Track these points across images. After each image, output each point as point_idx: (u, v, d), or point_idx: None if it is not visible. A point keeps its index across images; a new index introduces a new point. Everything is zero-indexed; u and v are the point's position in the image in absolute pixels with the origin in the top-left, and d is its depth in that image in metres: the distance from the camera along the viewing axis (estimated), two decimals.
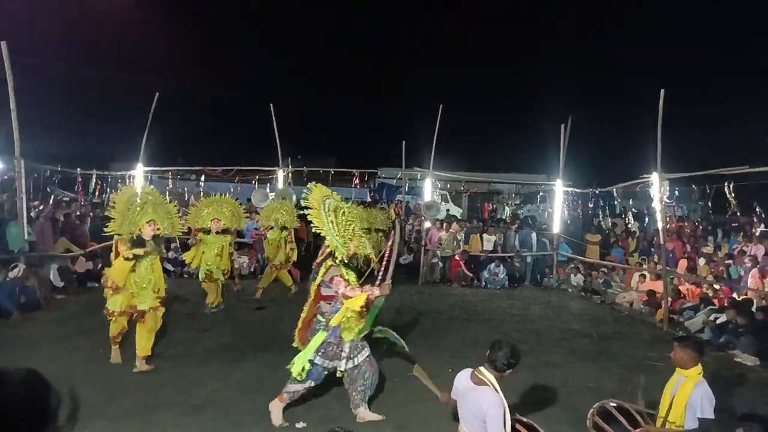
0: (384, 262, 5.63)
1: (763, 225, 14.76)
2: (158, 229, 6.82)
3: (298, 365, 5.25)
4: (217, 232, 9.73)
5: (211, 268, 9.66)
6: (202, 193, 18.82)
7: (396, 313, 10.25)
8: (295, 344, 5.68)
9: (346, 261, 5.43)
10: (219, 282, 9.78)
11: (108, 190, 15.60)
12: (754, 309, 9.29)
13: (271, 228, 11.24)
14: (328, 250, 5.52)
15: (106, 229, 6.85)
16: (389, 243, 5.76)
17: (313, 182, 5.86)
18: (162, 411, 5.39)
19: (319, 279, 5.47)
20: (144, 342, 6.65)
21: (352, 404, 5.49)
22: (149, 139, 13.90)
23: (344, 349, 5.38)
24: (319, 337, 5.34)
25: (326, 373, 5.42)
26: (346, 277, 5.39)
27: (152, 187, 8.65)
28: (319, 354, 5.32)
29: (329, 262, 5.44)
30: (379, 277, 5.54)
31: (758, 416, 3.12)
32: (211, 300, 9.76)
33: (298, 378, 5.26)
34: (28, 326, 8.30)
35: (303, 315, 5.67)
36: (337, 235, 5.37)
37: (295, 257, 11.59)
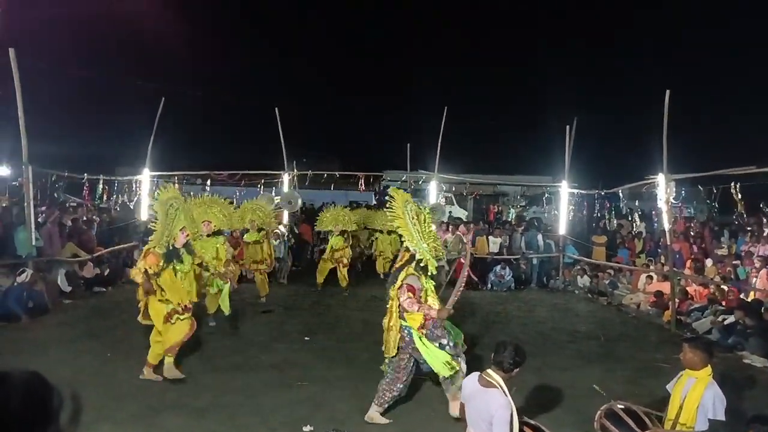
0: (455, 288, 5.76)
1: None
2: (188, 236, 6.70)
3: (444, 366, 5.21)
4: (208, 235, 9.09)
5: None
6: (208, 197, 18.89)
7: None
8: (387, 354, 5.60)
9: (434, 272, 5.55)
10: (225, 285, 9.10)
11: (115, 195, 15.68)
12: (762, 310, 9.22)
13: (247, 230, 11.08)
14: (408, 255, 5.54)
15: (150, 244, 6.56)
16: (461, 269, 5.85)
17: (393, 188, 5.90)
18: (167, 414, 5.40)
19: (399, 283, 5.42)
20: (158, 350, 6.45)
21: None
22: (155, 143, 13.97)
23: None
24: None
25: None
26: (425, 286, 5.48)
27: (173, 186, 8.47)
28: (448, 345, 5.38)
29: (410, 269, 5.42)
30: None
31: (765, 417, 3.10)
32: (212, 309, 8.98)
33: (452, 374, 5.27)
34: (36, 330, 8.34)
35: (387, 321, 5.58)
36: (425, 244, 5.47)
37: (268, 258, 11.27)
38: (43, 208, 13.45)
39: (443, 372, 5.24)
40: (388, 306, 5.65)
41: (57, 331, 8.31)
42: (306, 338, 8.53)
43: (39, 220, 11.49)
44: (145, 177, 14.18)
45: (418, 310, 5.23)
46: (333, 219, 12.66)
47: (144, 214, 13.65)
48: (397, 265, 5.74)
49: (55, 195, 15.40)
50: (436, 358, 5.23)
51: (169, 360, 6.36)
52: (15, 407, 0.90)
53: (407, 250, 5.59)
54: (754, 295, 10.21)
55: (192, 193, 19.06)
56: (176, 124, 16.92)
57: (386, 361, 5.69)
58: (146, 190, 14.25)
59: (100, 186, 15.29)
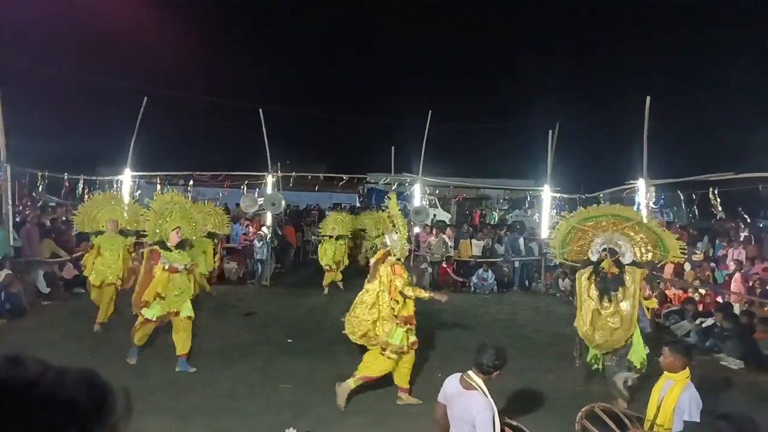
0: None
1: (747, 230, 14.96)
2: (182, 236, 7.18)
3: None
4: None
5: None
6: (190, 198, 18.74)
7: None
8: (391, 339, 6.05)
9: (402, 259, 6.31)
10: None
11: (95, 194, 15.49)
12: (738, 312, 9.41)
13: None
14: (384, 251, 6.45)
15: (146, 239, 7.26)
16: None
17: (393, 192, 6.83)
18: (151, 417, 5.35)
19: (386, 275, 6.20)
20: (183, 341, 6.93)
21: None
22: (137, 143, 13.82)
23: None
24: None
25: None
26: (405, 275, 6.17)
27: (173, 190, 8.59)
28: None
29: (391, 259, 6.23)
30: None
31: (733, 416, 3.18)
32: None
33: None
34: (14, 333, 8.20)
35: (380, 311, 6.21)
36: (402, 238, 6.31)
37: (210, 266, 11.12)
38: (21, 208, 13.25)
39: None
40: (369, 299, 6.25)
41: (35, 333, 8.18)
42: (289, 340, 8.52)
43: (17, 219, 11.32)
44: (127, 177, 14.02)
45: (411, 293, 6.02)
46: (333, 223, 13.15)
47: None
48: (375, 259, 6.49)
49: (34, 195, 15.16)
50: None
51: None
52: (79, 404, 0.90)
53: (385, 246, 6.49)
54: (729, 298, 10.42)
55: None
56: (159, 124, 16.75)
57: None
58: (127, 191, 14.09)
59: (81, 186, 15.08)
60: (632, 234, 6.56)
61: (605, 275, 6.32)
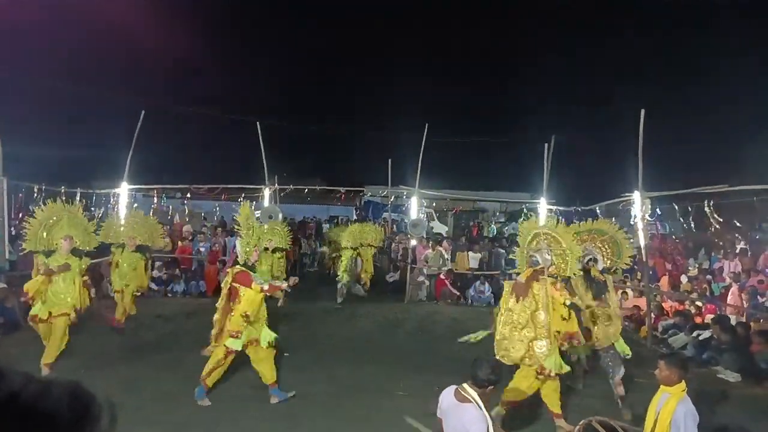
0: None
1: (743, 242, 15.00)
2: (76, 243, 7.51)
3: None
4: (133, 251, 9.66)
5: (126, 283, 9.52)
6: (187, 211, 18.75)
7: (382, 331, 10.23)
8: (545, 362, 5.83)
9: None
10: (131, 297, 9.62)
11: (93, 208, 15.47)
12: (735, 325, 9.42)
13: (121, 247, 9.81)
14: (535, 269, 6.20)
15: (23, 245, 7.64)
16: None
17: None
18: (143, 430, 5.31)
19: (543, 293, 6.06)
20: (269, 370, 6.59)
21: None
22: (134, 157, 13.85)
23: None
24: None
25: None
26: None
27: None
28: None
29: (549, 279, 6.12)
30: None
31: (730, 429, 3.17)
32: (119, 315, 9.43)
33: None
34: (8, 347, 8.15)
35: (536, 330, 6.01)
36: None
37: (143, 284, 10.29)
38: (17, 222, 13.21)
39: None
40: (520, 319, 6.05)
41: (29, 347, 8.11)
42: (285, 354, 8.47)
43: (13, 233, 11.29)
44: (124, 190, 14.02)
45: None
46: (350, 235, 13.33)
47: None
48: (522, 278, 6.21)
49: (31, 208, 15.12)
50: None
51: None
52: (62, 417, 0.90)
53: (534, 264, 6.25)
54: (725, 311, 10.44)
55: (171, 207, 19.04)
56: (156, 138, 16.78)
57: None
58: (124, 204, 14.09)
59: (77, 199, 15.06)
60: (603, 245, 7.54)
61: (597, 280, 7.06)
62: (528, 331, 5.93)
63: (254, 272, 6.57)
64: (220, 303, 6.54)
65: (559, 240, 6.29)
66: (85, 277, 7.77)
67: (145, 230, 10.36)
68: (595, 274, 7.08)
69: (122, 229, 10.21)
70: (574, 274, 6.30)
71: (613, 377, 6.73)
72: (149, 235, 10.38)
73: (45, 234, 7.69)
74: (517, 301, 6.05)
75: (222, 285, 6.76)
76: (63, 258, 7.39)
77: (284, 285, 6.77)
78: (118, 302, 9.59)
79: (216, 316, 6.48)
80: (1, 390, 0.88)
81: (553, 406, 5.87)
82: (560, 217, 12.97)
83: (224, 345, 6.25)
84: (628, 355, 6.88)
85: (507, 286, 6.49)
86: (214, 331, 6.46)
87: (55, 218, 7.81)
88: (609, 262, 7.53)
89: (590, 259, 7.11)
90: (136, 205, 14.90)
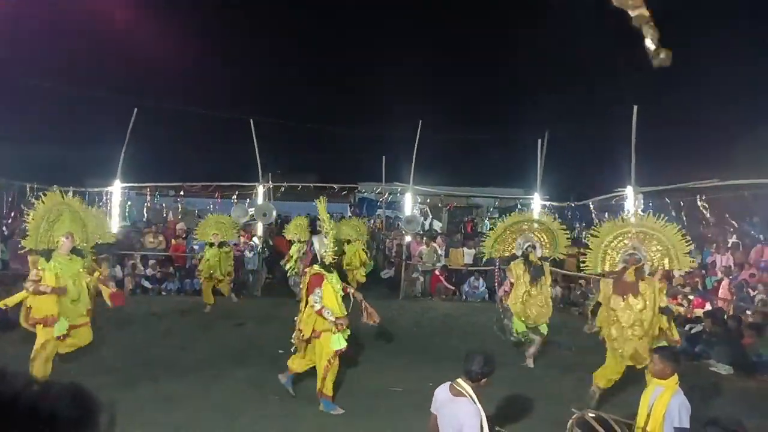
0: None
1: (734, 236, 15.09)
2: (76, 242, 6.64)
3: None
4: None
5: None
6: (180, 209, 18.67)
7: (377, 327, 10.24)
8: None
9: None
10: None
11: (86, 206, 15.41)
12: (726, 318, 9.49)
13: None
14: (638, 266, 6.36)
15: (22, 243, 6.64)
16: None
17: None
18: (142, 430, 5.31)
19: (651, 292, 6.28)
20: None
21: None
22: (127, 154, 13.79)
23: None
24: None
25: None
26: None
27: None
28: None
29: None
30: None
31: (721, 420, 3.21)
32: None
33: None
34: (2, 346, 8.12)
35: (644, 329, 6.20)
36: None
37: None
38: (9, 221, 13.14)
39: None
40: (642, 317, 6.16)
41: (23, 347, 8.06)
42: (280, 351, 8.46)
43: (5, 232, 11.23)
44: (116, 188, 13.97)
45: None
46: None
47: (115, 227, 13.42)
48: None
49: (23, 207, 15.04)
50: None
51: None
52: (63, 418, 0.91)
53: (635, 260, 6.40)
54: (716, 304, 10.52)
55: (165, 205, 18.97)
56: (149, 135, 16.70)
57: None
58: (117, 202, 14.04)
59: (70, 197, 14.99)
60: (541, 235, 8.51)
61: (534, 265, 8.11)
62: (637, 329, 6.08)
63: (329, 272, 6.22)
64: (303, 312, 6.25)
65: (654, 235, 6.58)
66: (97, 273, 7.06)
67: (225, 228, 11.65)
68: (533, 260, 8.13)
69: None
70: (681, 268, 6.67)
71: (528, 349, 8.08)
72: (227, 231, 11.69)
73: (45, 229, 6.69)
74: (623, 300, 6.14)
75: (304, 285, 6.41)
76: (65, 259, 6.57)
77: (331, 318, 6.19)
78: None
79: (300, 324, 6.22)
80: (3, 391, 0.88)
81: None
82: (555, 213, 13.04)
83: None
84: (545, 334, 8.22)
85: (605, 285, 6.48)
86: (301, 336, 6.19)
87: (56, 212, 6.82)
88: (547, 251, 8.49)
89: (529, 245, 8.24)
90: (129, 203, 14.85)
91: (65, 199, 6.97)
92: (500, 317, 8.68)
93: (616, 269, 6.50)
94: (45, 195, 7.03)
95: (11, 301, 6.59)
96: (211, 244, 11.55)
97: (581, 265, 7.38)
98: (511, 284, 8.37)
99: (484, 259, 10.55)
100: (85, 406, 0.95)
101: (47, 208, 6.69)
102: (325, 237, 6.34)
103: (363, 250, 13.34)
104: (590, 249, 6.84)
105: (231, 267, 11.98)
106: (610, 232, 6.73)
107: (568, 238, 8.94)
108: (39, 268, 6.23)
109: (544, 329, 8.15)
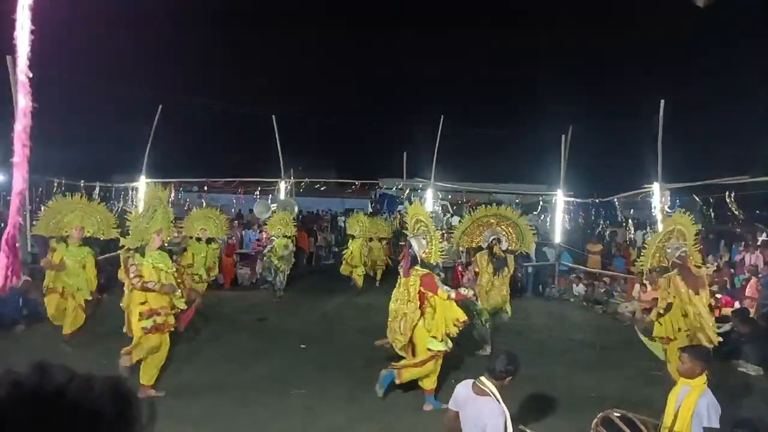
0: None
1: (765, 234, 14.74)
2: (88, 232, 7.88)
3: None
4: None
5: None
6: (204, 204, 18.88)
7: None
8: None
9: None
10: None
11: (112, 201, 15.67)
12: (756, 318, 9.28)
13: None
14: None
15: (33, 229, 8.21)
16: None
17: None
18: (163, 423, 5.38)
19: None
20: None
21: None
22: (152, 150, 13.99)
23: None
24: None
25: None
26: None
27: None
28: None
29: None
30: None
31: (752, 421, 3.13)
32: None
33: None
34: (31, 338, 8.30)
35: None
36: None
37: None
38: (38, 215, 13.40)
39: None
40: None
41: (52, 339, 8.25)
42: (302, 346, 8.53)
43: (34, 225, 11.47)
44: (142, 184, 14.17)
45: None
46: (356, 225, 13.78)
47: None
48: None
49: (47, 202, 15.35)
50: None
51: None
52: (105, 412, 0.92)
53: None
54: (743, 303, 10.28)
55: (188, 200, 19.23)
56: (173, 131, 16.92)
57: None
58: (142, 197, 14.25)
59: (97, 192, 15.27)
60: (507, 229, 9.01)
61: (498, 257, 8.61)
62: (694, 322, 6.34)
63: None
64: (408, 307, 6.06)
65: (684, 233, 6.81)
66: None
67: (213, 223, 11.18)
68: (497, 252, 8.65)
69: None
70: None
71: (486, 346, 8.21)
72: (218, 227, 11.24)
73: (55, 222, 8.02)
74: (697, 293, 6.32)
75: (406, 287, 6.19)
76: (75, 247, 7.84)
77: (470, 293, 6.52)
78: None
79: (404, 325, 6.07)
80: (47, 385, 0.89)
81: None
82: (580, 210, 12.85)
83: (427, 349, 5.99)
84: (509, 315, 8.80)
85: (676, 281, 6.56)
86: (402, 339, 6.09)
87: (69, 209, 8.17)
88: (513, 245, 8.99)
89: (494, 239, 8.76)
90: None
91: (81, 201, 8.36)
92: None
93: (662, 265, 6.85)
94: (71, 193, 7.94)
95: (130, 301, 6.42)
96: (198, 239, 10.76)
97: (634, 262, 7.48)
98: (476, 273, 8.85)
99: (452, 250, 10.62)
100: (127, 401, 0.95)
101: (61, 205, 8.18)
102: (424, 238, 6.28)
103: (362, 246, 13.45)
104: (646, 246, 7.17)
105: (215, 265, 11.39)
106: (664, 229, 7.13)
107: (535, 234, 9.67)
108: (136, 263, 6.06)
109: (508, 310, 8.75)
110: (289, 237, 12.43)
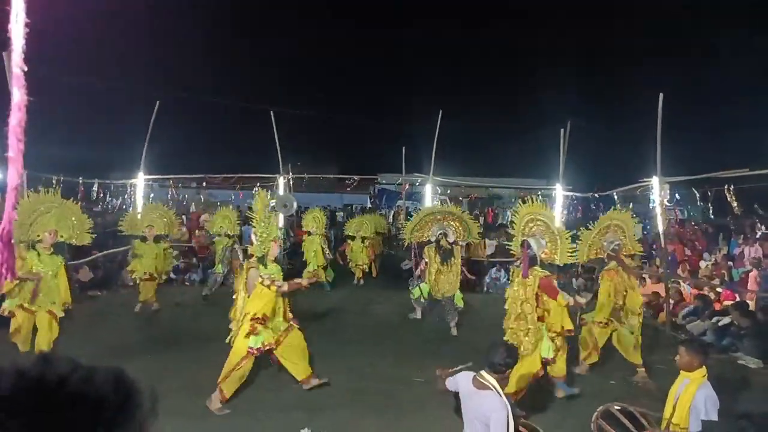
0: None
1: (764, 227, 14.75)
2: (61, 237, 7.18)
3: None
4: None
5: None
6: (203, 200, 18.88)
7: (398, 318, 10.25)
8: None
9: None
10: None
11: (109, 198, 15.65)
12: (756, 311, 9.29)
13: (142, 239, 10.40)
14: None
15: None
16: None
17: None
18: (166, 418, 5.35)
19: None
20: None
21: None
22: (150, 147, 13.94)
23: None
24: None
25: None
26: None
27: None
28: None
29: None
30: None
31: (755, 415, 3.13)
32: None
33: None
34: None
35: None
36: None
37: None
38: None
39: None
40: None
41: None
42: None
43: None
44: (140, 181, 14.14)
45: None
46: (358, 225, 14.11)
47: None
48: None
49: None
50: None
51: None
52: (108, 402, 0.92)
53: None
54: (743, 296, 10.30)
55: (187, 196, 19.20)
56: (171, 128, 16.87)
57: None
58: (141, 194, 14.22)
59: (95, 189, 15.24)
60: (453, 223, 9.89)
61: (445, 249, 9.45)
62: None
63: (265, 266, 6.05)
64: (525, 308, 5.98)
65: (623, 228, 7.44)
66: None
67: (162, 220, 10.78)
68: (443, 244, 9.54)
69: (139, 219, 10.57)
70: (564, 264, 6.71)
71: (450, 321, 9.31)
72: (166, 224, 10.70)
73: (30, 224, 7.18)
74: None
75: (523, 286, 6.11)
76: (47, 255, 7.10)
77: (583, 301, 6.50)
78: (141, 290, 10.05)
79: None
80: (50, 375, 0.89)
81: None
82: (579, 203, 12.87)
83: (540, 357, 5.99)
84: (460, 306, 9.49)
85: (618, 273, 7.39)
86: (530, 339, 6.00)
87: (43, 209, 7.36)
88: (461, 237, 9.91)
89: (441, 233, 9.68)
90: (153, 195, 15.03)
91: (56, 200, 7.53)
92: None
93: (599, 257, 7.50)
94: (69, 190, 7.59)
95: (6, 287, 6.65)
96: (143, 239, 10.15)
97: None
98: (426, 264, 9.74)
99: (405, 245, 11.42)
100: (128, 392, 0.96)
101: (37, 203, 7.27)
102: (542, 238, 6.19)
103: (321, 244, 12.91)
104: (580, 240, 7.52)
105: (170, 267, 11.05)
106: (600, 224, 7.70)
107: (479, 226, 10.58)
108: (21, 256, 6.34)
109: (459, 302, 9.49)
110: (232, 237, 11.69)
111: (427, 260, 9.70)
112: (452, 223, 9.93)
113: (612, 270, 7.32)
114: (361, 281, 13.85)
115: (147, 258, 10.01)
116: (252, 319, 5.82)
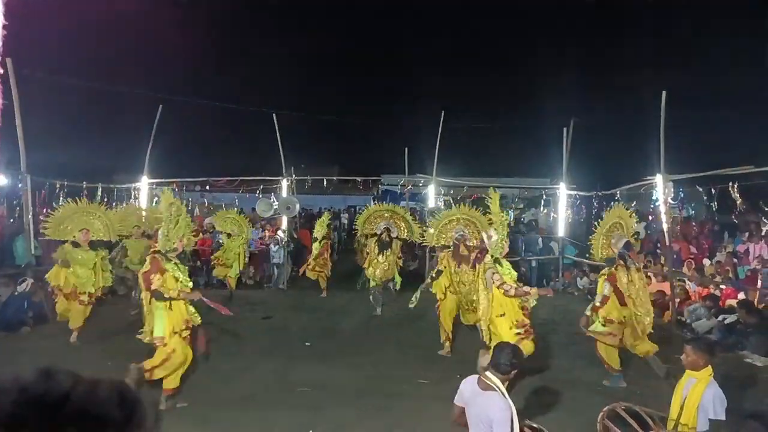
0: None
1: None
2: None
3: None
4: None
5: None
6: (206, 204, 18.89)
7: (403, 319, 10.24)
8: None
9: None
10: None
11: (113, 202, 15.68)
12: (758, 308, 9.24)
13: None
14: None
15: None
16: None
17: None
18: (170, 420, 5.40)
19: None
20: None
21: None
22: (153, 150, 13.98)
23: None
24: None
25: None
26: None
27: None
28: None
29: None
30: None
31: (764, 414, 3.11)
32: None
33: None
34: (37, 340, 8.33)
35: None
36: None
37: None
38: (41, 217, 13.42)
39: None
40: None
41: (57, 340, 8.29)
42: (307, 343, 8.54)
43: (39, 228, 11.48)
44: (144, 184, 14.18)
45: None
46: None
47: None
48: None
49: (54, 204, 15.37)
50: None
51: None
52: (111, 416, 0.92)
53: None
54: (747, 295, 10.24)
55: (191, 200, 19.22)
56: (174, 131, 16.92)
57: None
58: (145, 198, 14.26)
59: (99, 194, 15.28)
60: (397, 221, 11.25)
61: (383, 241, 10.86)
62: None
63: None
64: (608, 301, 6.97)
65: (623, 225, 7.91)
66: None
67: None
68: (383, 237, 10.88)
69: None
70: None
71: (377, 307, 10.78)
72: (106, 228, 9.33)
73: (63, 226, 8.71)
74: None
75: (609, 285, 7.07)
76: (84, 252, 8.49)
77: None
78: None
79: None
80: (52, 391, 0.89)
81: None
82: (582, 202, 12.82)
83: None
84: (398, 287, 11.06)
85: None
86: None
87: (73, 214, 8.86)
88: (403, 233, 11.23)
89: (385, 228, 11.01)
90: (156, 198, 15.05)
91: (80, 205, 8.97)
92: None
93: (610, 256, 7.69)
94: (73, 194, 8.26)
95: (52, 276, 8.75)
96: (75, 244, 8.41)
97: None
98: (368, 254, 11.11)
99: (357, 237, 12.87)
100: (131, 405, 0.95)
101: (67, 211, 8.89)
102: (495, 231, 6.92)
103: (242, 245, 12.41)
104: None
105: (110, 281, 9.18)
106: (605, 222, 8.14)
107: (419, 226, 11.55)
108: (64, 250, 8.43)
109: (396, 281, 11.08)
110: (241, 236, 11.94)
111: (368, 251, 11.18)
112: (397, 221, 11.30)
113: (613, 273, 7.18)
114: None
115: (81, 268, 8.42)
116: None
